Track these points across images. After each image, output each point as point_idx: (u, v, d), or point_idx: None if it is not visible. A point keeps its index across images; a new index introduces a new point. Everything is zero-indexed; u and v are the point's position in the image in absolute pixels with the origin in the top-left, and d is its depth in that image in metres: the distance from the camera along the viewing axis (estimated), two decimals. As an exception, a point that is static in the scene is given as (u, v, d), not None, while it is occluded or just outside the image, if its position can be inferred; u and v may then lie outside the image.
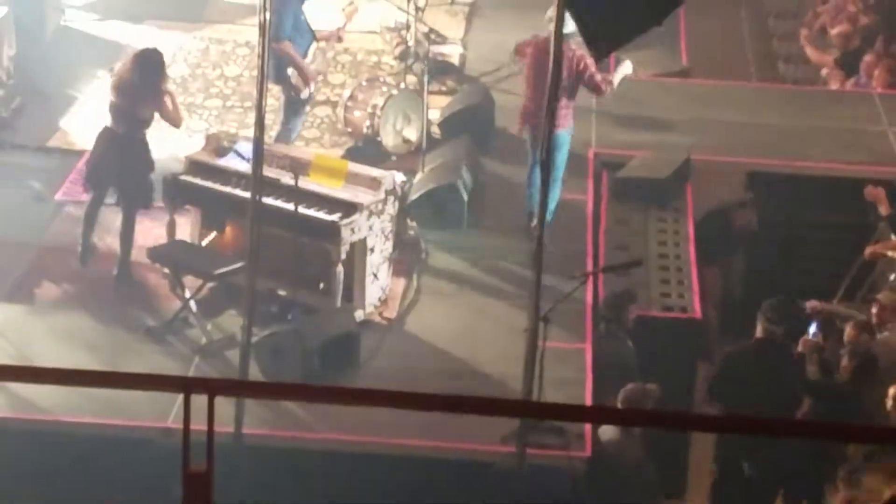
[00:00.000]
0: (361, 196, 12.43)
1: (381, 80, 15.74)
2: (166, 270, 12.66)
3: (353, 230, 12.24)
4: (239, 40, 17.45)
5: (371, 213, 12.43)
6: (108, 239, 13.25)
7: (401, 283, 13.18)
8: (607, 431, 11.39)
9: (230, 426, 10.85)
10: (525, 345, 10.79)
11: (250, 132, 12.36)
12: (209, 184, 12.76)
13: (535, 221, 12.00)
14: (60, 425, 11.20)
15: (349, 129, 15.24)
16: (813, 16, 18.93)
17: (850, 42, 17.61)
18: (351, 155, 14.37)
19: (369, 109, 15.07)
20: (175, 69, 16.54)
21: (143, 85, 12.69)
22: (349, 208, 12.30)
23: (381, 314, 12.77)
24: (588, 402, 11.66)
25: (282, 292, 12.40)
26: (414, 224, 13.74)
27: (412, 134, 14.96)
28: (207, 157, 12.99)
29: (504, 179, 14.73)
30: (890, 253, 13.45)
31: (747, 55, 18.77)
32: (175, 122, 13.03)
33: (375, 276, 12.67)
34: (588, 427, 11.30)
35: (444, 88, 16.39)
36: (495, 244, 13.77)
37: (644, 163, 14.87)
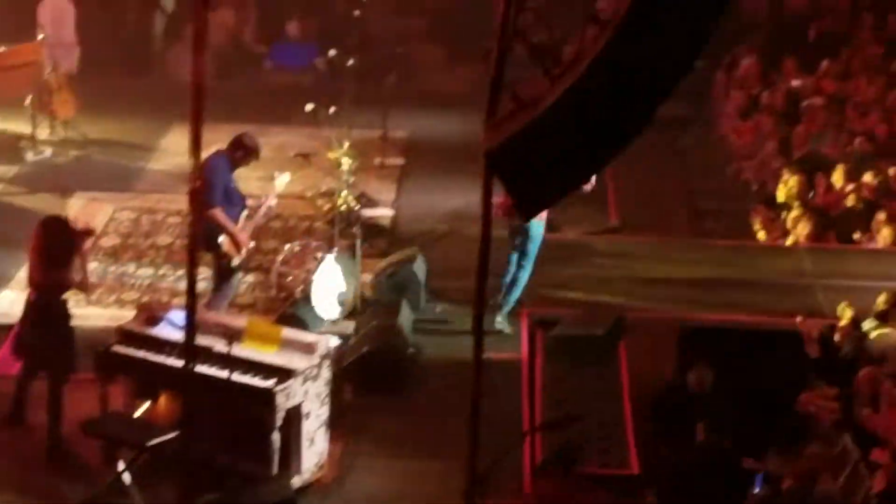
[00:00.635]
0: (296, 361, 12.31)
1: (314, 245, 15.75)
2: (101, 443, 12.49)
3: (288, 396, 12.11)
4: (170, 209, 17.45)
5: (306, 379, 12.31)
6: (40, 412, 13.07)
7: (338, 447, 13.06)
8: None
9: None
10: (463, 505, 10.66)
11: (183, 300, 12.29)
12: (142, 354, 12.61)
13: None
14: None
15: (282, 295, 15.24)
16: (737, 170, 19.18)
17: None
18: (284, 320, 14.29)
19: (302, 274, 15.10)
20: (107, 240, 16.51)
21: (49, 252, 12.64)
22: (284, 374, 12.17)
23: (318, 480, 12.63)
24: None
25: (218, 461, 12.25)
26: (350, 388, 13.69)
27: (345, 298, 14.94)
28: (140, 327, 12.86)
29: (438, 340, 14.71)
30: (823, 402, 13.48)
31: (675, 212, 18.92)
32: (84, 289, 12.97)
33: (312, 441, 12.53)
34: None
35: (376, 252, 16.40)
36: (431, 405, 13.70)
37: (578, 321, 14.91)
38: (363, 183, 17.02)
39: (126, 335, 12.85)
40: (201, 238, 13.36)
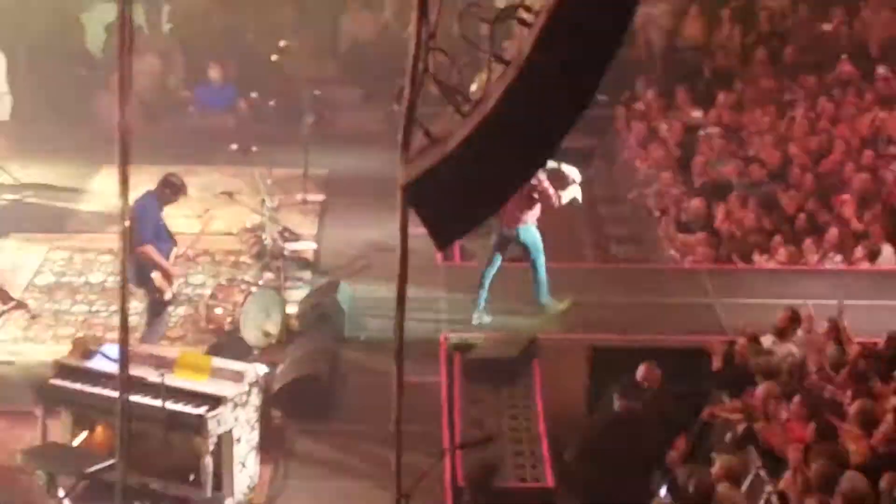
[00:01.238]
0: (226, 389, 12.36)
1: (240, 278, 15.78)
2: (40, 472, 12.46)
3: (219, 422, 12.15)
4: (102, 248, 17.40)
5: (236, 405, 12.36)
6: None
7: (268, 469, 13.09)
8: None
9: None
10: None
11: (116, 334, 12.30)
12: (78, 386, 12.63)
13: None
14: None
15: (212, 327, 15.23)
16: (639, 197, 19.32)
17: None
18: (214, 351, 14.30)
19: (230, 306, 15.11)
20: (41, 278, 16.48)
21: None
22: (215, 402, 12.22)
23: (250, 502, 12.65)
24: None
25: (154, 486, 12.26)
26: (278, 413, 13.72)
27: (272, 328, 14.97)
28: (76, 361, 12.87)
29: (362, 366, 14.75)
30: (726, 415, 13.61)
31: (582, 239, 19.05)
32: None
33: (243, 464, 12.57)
34: None
35: (300, 283, 16.44)
36: (357, 428, 13.72)
37: (493, 344, 15.01)
38: (286, 218, 17.04)
39: (63, 369, 12.86)
40: (133, 274, 13.42)
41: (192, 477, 12.30)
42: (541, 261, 15.94)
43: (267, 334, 14.99)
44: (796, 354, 14.14)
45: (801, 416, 12.87)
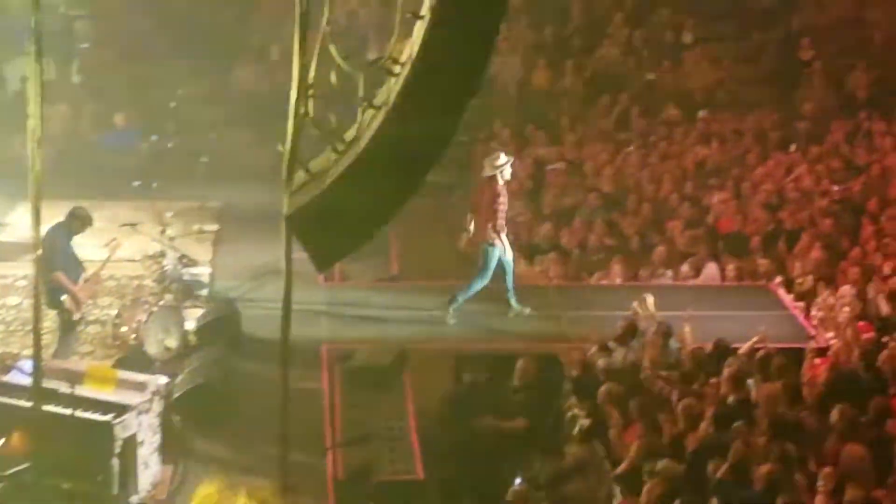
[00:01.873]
0: (131, 398, 12.24)
1: (143, 299, 15.62)
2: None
3: (124, 427, 12.02)
4: (18, 274, 17.16)
5: (140, 412, 12.23)
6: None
7: (169, 469, 12.96)
8: None
9: None
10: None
11: (31, 351, 12.15)
12: (-3, 398, 12.43)
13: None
14: None
15: (118, 343, 15.09)
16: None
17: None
18: (120, 364, 14.11)
19: (134, 324, 14.98)
20: (-37, 303, 16.26)
21: None
22: (121, 409, 12.08)
23: (153, 497, 12.51)
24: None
25: (65, 486, 12.08)
26: (178, 418, 13.59)
27: (172, 343, 14.84)
28: (-6, 375, 12.68)
29: (252, 375, 14.63)
30: (576, 411, 13.71)
31: (446, 260, 19.06)
32: None
33: (146, 465, 12.43)
34: None
35: (197, 303, 16.28)
36: (248, 430, 13.59)
37: (368, 353, 14.97)
38: (184, 246, 16.88)
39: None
40: (46, 297, 13.25)
41: (100, 477, 12.12)
42: (510, 268, 15.92)
43: (167, 348, 14.85)
44: (632, 359, 14.27)
45: (638, 412, 13.00)
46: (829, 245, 17.34)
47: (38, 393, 10.60)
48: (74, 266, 14.27)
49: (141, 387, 12.44)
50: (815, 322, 15.61)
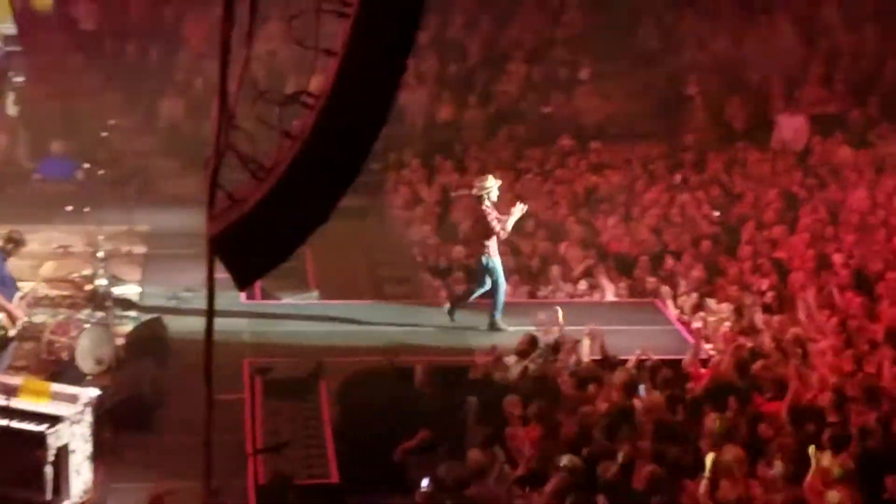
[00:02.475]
0: (64, 409, 12.15)
1: (76, 317, 15.47)
2: None
3: (57, 437, 11.93)
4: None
5: (72, 423, 12.13)
6: None
7: (100, 475, 12.82)
8: None
9: None
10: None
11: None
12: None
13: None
14: None
15: (51, 357, 14.90)
16: (407, 245, 19.35)
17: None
18: (54, 377, 13.95)
19: (67, 340, 14.83)
20: None
21: None
22: (54, 420, 11.98)
23: (84, 503, 12.39)
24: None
25: (2, 491, 11.94)
26: (108, 428, 13.46)
27: (103, 357, 14.72)
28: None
29: (178, 387, 14.51)
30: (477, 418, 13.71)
31: (360, 279, 19.06)
32: None
33: (78, 472, 12.31)
34: None
35: (126, 320, 16.16)
36: (174, 438, 13.49)
37: (287, 366, 14.92)
38: (114, 267, 16.75)
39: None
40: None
41: (34, 484, 12.00)
42: (500, 285, 16.12)
43: (99, 363, 14.73)
44: (532, 370, 14.28)
45: (537, 418, 13.02)
46: (710, 265, 17.53)
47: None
48: (9, 286, 14.10)
49: (73, 399, 12.34)
50: (696, 335, 15.76)
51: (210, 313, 9.48)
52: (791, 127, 22.62)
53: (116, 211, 18.33)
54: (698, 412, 12.82)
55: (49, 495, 11.99)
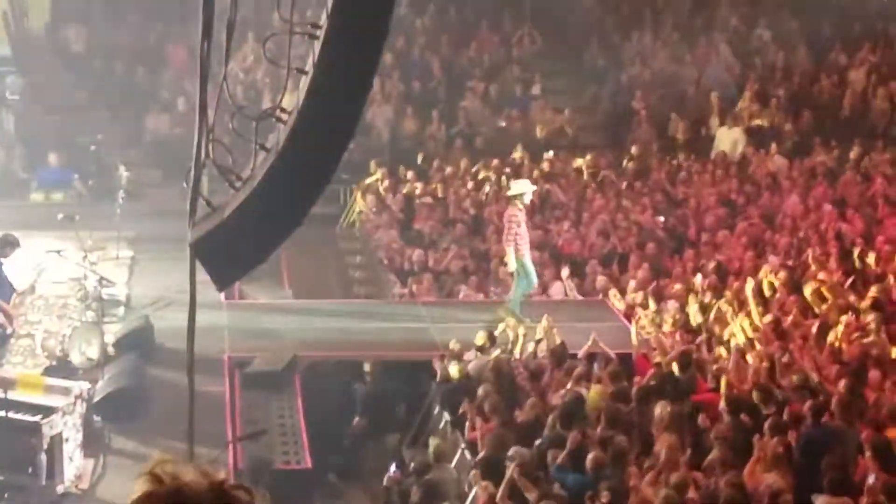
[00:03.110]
0: (57, 401, 12.16)
1: (68, 316, 15.45)
2: None
3: (51, 427, 11.94)
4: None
5: (65, 413, 12.14)
6: None
7: (91, 462, 12.85)
8: None
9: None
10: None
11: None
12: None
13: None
14: None
15: (45, 354, 14.87)
16: (374, 249, 19.37)
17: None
18: (47, 372, 13.97)
19: (60, 338, 14.81)
20: None
21: None
22: (48, 411, 12.00)
23: (77, 487, 12.40)
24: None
25: (0, 477, 11.95)
26: (98, 418, 13.47)
27: (93, 353, 14.68)
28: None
29: (162, 380, 14.55)
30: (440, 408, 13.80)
31: (331, 280, 19.09)
32: None
33: (71, 459, 12.32)
34: None
35: (115, 319, 16.15)
36: (159, 427, 13.49)
37: (264, 361, 14.94)
38: (103, 269, 16.71)
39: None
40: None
41: (30, 469, 12.00)
42: (522, 283, 16.04)
43: (89, 358, 14.70)
44: (491, 363, 14.33)
45: (493, 409, 13.09)
46: (655, 266, 17.66)
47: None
48: (5, 288, 14.09)
49: (66, 392, 12.36)
50: (642, 331, 15.85)
51: (192, 312, 9.55)
52: (729, 139, 22.77)
53: (105, 218, 18.29)
54: (645, 402, 12.91)
55: (44, 480, 12.01)
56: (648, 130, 23.45)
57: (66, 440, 12.20)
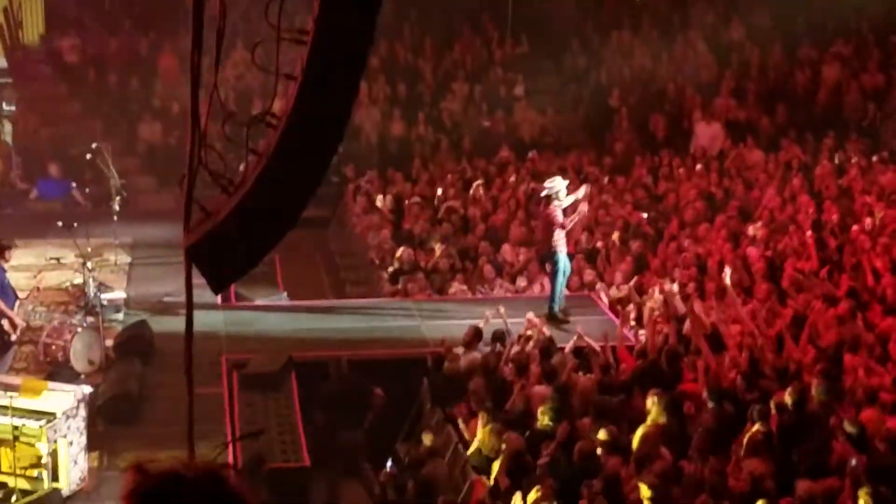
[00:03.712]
0: (60, 406, 12.08)
1: (69, 321, 15.39)
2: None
3: (55, 431, 11.87)
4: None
5: (68, 417, 12.07)
6: None
7: (94, 464, 12.79)
8: None
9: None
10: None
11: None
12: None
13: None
14: None
15: (48, 359, 14.84)
16: (365, 250, 19.33)
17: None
18: (50, 377, 13.91)
19: (61, 343, 14.76)
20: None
21: None
22: (51, 416, 11.93)
23: (81, 489, 12.34)
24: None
25: (5, 480, 11.88)
26: (101, 421, 13.44)
27: (95, 358, 14.67)
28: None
29: (162, 383, 14.49)
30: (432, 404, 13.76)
31: (323, 282, 19.08)
32: None
33: (75, 462, 12.26)
34: None
35: (114, 324, 16.11)
36: (160, 430, 13.43)
37: (260, 362, 14.90)
38: (102, 276, 16.69)
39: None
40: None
41: (36, 473, 11.95)
42: (558, 279, 15.96)
43: (90, 363, 14.68)
44: (479, 358, 14.32)
45: (481, 402, 13.07)
46: (638, 260, 17.65)
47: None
48: (9, 295, 14.03)
49: (68, 396, 12.30)
50: (627, 323, 15.85)
51: (189, 316, 9.49)
52: (707, 134, 22.77)
53: (102, 225, 18.25)
54: (629, 394, 12.91)
55: (49, 483, 11.95)
56: (628, 127, 23.45)
57: (70, 444, 12.15)
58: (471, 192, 20.45)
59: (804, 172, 20.35)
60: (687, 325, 14.77)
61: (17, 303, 14.21)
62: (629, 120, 23.53)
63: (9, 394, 11.80)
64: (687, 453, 11.64)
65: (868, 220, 17.38)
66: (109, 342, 15.18)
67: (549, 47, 25.34)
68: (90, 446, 12.68)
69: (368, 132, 23.41)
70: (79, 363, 14.60)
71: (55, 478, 12.01)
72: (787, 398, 11.87)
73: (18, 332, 14.10)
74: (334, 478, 13.86)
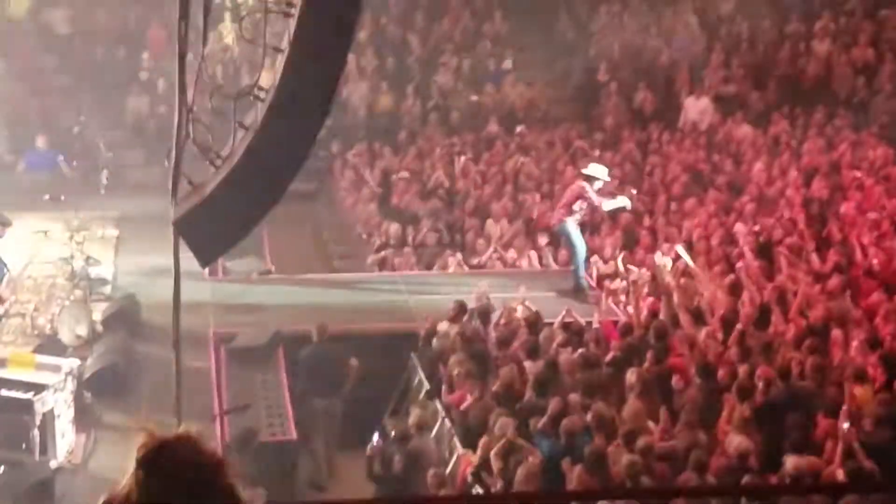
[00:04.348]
0: (48, 379, 12.16)
1: (57, 295, 15.41)
2: None
3: (43, 403, 11.93)
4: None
5: (56, 390, 12.14)
6: None
7: (82, 437, 12.84)
8: None
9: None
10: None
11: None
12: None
13: None
14: None
15: (36, 332, 14.85)
16: (352, 224, 19.28)
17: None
18: (38, 350, 13.93)
19: (49, 316, 14.78)
20: None
21: None
22: (39, 388, 11.99)
23: (69, 461, 12.40)
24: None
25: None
26: (88, 394, 13.45)
27: (82, 331, 14.66)
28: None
29: (150, 356, 14.51)
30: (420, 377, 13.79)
31: (312, 256, 19.07)
32: None
33: (63, 434, 12.33)
34: None
35: (102, 297, 16.11)
36: (148, 402, 13.48)
37: (247, 335, 14.92)
38: (89, 249, 16.65)
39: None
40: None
41: (23, 445, 12.00)
42: (576, 251, 16.22)
43: (78, 336, 14.68)
44: (465, 333, 14.30)
45: (465, 376, 13.08)
46: (627, 235, 17.66)
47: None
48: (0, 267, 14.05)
49: (56, 369, 12.37)
50: (615, 299, 15.89)
51: (177, 289, 9.53)
52: (696, 108, 22.74)
53: (90, 198, 18.22)
54: (618, 368, 12.94)
55: (38, 455, 12.00)
56: (617, 102, 23.41)
57: (58, 416, 12.20)
58: (459, 166, 20.42)
59: (793, 147, 20.36)
60: (675, 298, 14.81)
61: (7, 276, 14.20)
62: (618, 94, 23.49)
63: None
64: (673, 429, 11.69)
65: (857, 195, 17.42)
66: (97, 315, 15.19)
67: (538, 21, 25.26)
68: (78, 419, 12.71)
69: (356, 106, 23.34)
70: (66, 336, 14.61)
71: (43, 450, 12.04)
72: (774, 373, 11.93)
73: (6, 304, 14.12)
74: (326, 451, 13.91)
